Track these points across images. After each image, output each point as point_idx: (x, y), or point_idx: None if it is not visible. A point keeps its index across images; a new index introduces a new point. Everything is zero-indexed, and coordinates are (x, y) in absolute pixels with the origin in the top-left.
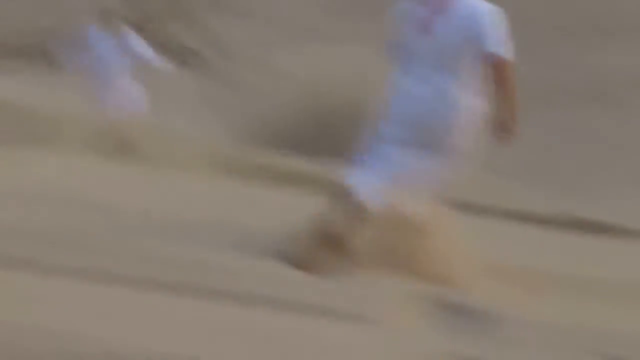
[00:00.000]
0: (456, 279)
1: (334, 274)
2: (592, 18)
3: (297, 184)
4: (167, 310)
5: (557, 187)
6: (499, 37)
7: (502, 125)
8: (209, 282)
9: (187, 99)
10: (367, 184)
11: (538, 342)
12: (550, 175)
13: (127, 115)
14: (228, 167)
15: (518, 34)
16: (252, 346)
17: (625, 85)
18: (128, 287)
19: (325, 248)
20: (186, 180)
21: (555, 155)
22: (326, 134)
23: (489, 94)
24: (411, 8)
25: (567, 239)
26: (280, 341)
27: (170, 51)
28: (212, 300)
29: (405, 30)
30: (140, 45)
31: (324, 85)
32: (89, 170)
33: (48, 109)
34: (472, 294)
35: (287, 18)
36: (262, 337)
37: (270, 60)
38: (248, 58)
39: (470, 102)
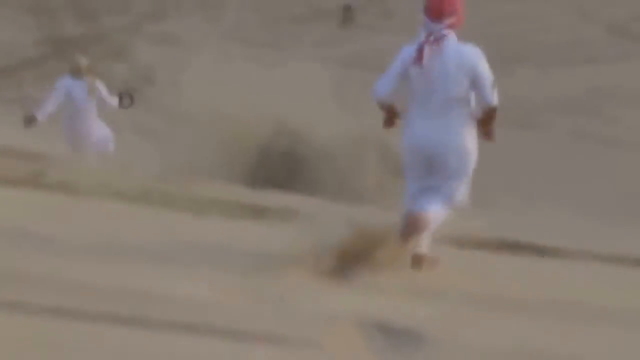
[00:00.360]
0: None
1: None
2: (501, 48)
3: (223, 211)
4: (90, 339)
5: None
6: (491, 85)
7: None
8: (141, 310)
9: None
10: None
11: None
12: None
13: (95, 153)
14: (158, 197)
15: None
16: None
17: (532, 109)
18: (45, 316)
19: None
20: (111, 209)
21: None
22: (263, 163)
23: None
24: (410, 52)
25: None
26: None
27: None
28: (146, 329)
29: (407, 72)
30: (103, 89)
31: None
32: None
33: None
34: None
35: (215, 44)
36: None
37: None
38: (172, 83)
39: (467, 128)
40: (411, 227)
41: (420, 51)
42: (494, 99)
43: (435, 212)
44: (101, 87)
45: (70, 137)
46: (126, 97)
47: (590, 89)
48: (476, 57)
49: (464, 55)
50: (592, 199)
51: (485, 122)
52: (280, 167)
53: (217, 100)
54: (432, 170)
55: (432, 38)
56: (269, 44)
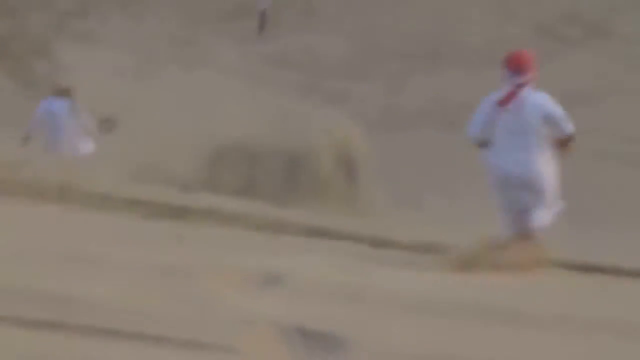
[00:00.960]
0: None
1: None
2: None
3: (146, 212)
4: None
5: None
6: (563, 119)
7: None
8: (58, 314)
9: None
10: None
11: None
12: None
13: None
14: (78, 197)
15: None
16: None
17: (456, 109)
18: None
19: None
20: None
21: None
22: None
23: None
24: (494, 100)
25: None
26: None
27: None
28: (63, 334)
29: (493, 116)
30: (83, 112)
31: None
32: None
33: None
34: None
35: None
36: None
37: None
38: (93, 83)
39: (545, 155)
40: (522, 243)
41: (506, 97)
42: (568, 129)
43: (537, 223)
44: (82, 110)
45: (52, 149)
46: (107, 122)
47: None
48: (548, 102)
49: (538, 101)
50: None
51: (564, 145)
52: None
53: (139, 102)
54: (522, 194)
55: (514, 87)
56: (192, 42)
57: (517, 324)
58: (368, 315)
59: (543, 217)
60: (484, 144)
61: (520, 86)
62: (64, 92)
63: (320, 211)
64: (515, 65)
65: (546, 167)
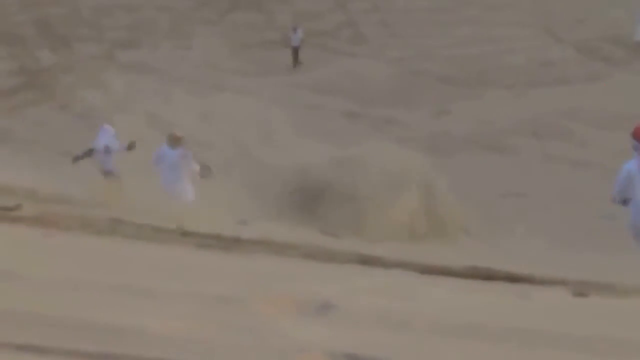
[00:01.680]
0: None
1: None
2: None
3: (195, 242)
4: None
5: None
6: None
7: None
8: (111, 346)
9: None
10: None
11: None
12: None
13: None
14: (127, 229)
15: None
16: None
17: (502, 132)
18: (14, 352)
19: None
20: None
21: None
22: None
23: None
24: (633, 164)
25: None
26: None
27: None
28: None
29: (631, 179)
30: (190, 158)
31: None
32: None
33: None
34: None
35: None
36: None
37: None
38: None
39: None
40: None
41: None
42: None
43: None
44: (189, 156)
45: (168, 188)
46: (205, 168)
47: (560, 110)
48: None
49: None
50: (563, 222)
51: None
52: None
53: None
54: None
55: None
56: (240, 70)
57: (565, 348)
58: (418, 341)
59: None
60: (624, 202)
61: None
62: (176, 141)
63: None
64: None
65: None
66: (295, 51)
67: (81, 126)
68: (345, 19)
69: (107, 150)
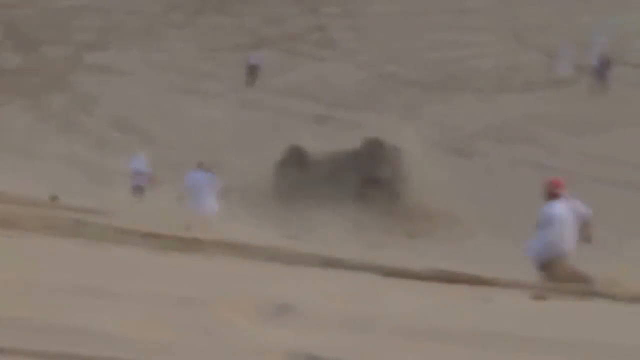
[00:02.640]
0: None
1: None
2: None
3: (156, 243)
4: None
5: None
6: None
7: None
8: (65, 346)
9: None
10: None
11: None
12: None
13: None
14: (88, 230)
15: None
16: None
17: (470, 137)
18: None
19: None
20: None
21: None
22: None
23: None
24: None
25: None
26: None
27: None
28: None
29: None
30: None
31: None
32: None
33: None
34: None
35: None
36: None
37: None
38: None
39: None
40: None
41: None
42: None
43: None
44: (214, 177)
45: (196, 208)
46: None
47: (527, 115)
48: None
49: (577, 203)
50: (529, 227)
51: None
52: None
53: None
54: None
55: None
56: (208, 73)
57: (525, 350)
58: (380, 343)
59: None
60: None
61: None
62: (203, 166)
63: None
64: (562, 187)
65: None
66: (253, 69)
67: (47, 128)
68: (315, 23)
69: (138, 172)
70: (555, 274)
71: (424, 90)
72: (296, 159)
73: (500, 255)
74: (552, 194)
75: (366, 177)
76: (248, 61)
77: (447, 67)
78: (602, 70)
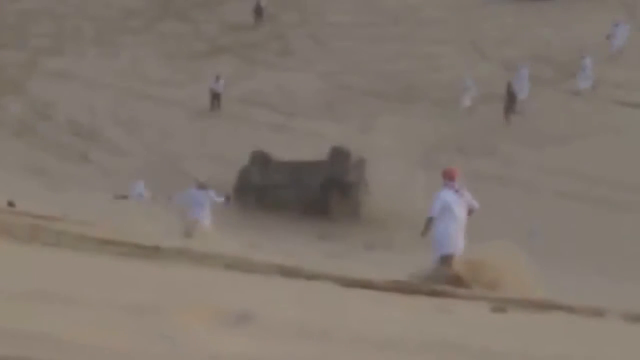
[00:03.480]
0: None
1: None
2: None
3: (118, 251)
4: None
5: None
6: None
7: None
8: (25, 351)
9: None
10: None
11: None
12: None
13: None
14: (50, 237)
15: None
16: None
17: (429, 148)
18: None
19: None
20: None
21: None
22: None
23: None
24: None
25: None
26: None
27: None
28: None
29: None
30: (213, 193)
31: None
32: None
33: None
34: None
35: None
36: None
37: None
38: (68, 121)
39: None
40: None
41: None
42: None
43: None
44: (212, 194)
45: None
46: (227, 199)
47: (486, 127)
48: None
49: (466, 194)
50: (485, 238)
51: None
52: None
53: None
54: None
55: (457, 188)
56: (166, 80)
57: None
58: (338, 353)
59: None
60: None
61: (459, 188)
62: (202, 185)
63: None
64: (452, 176)
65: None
66: (217, 97)
67: (2, 133)
68: (274, 31)
69: (140, 196)
70: (446, 271)
71: (383, 100)
72: (260, 164)
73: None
74: (446, 183)
75: (330, 185)
76: (210, 87)
77: (406, 78)
78: (509, 102)
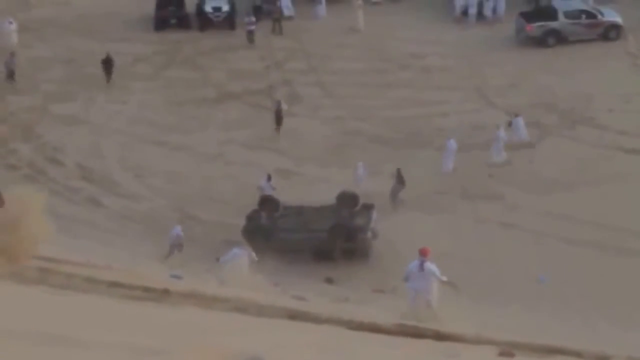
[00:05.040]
0: None
1: None
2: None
3: (124, 293)
4: None
5: None
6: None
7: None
8: None
9: None
10: None
11: None
12: None
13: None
14: (59, 279)
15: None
16: None
17: (434, 192)
18: None
19: None
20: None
21: None
22: None
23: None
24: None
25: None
26: None
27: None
28: None
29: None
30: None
31: None
32: None
33: None
34: None
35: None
36: None
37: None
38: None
39: None
40: None
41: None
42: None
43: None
44: (251, 252)
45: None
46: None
47: (491, 173)
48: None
49: (432, 267)
50: (491, 283)
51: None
52: None
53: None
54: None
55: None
56: (175, 126)
57: None
58: None
59: None
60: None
61: (424, 262)
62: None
63: None
64: (425, 254)
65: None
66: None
67: (13, 177)
68: (281, 78)
69: (179, 237)
70: None
71: (390, 146)
72: (268, 208)
73: (463, 310)
74: (419, 257)
75: (337, 230)
76: (259, 186)
77: (412, 124)
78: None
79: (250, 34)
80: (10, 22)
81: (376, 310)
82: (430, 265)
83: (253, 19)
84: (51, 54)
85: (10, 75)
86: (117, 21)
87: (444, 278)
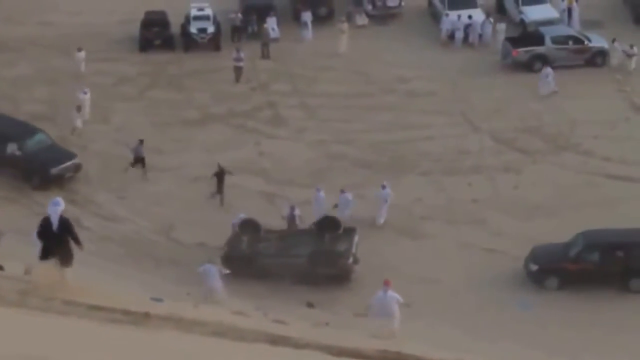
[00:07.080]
0: None
1: None
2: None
3: (108, 317)
4: None
5: None
6: None
7: None
8: None
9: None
10: None
11: None
12: None
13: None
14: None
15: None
16: None
17: (418, 218)
18: None
19: None
20: None
21: None
22: None
23: None
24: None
25: None
26: None
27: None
28: None
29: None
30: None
31: None
32: None
33: None
34: None
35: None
36: None
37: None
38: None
39: None
40: None
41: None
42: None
43: None
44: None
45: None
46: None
47: (475, 198)
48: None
49: (393, 294)
50: (474, 310)
51: None
52: None
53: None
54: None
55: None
56: (158, 148)
57: None
58: None
59: None
60: None
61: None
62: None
63: None
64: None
65: None
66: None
67: None
68: (266, 100)
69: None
70: None
71: (373, 170)
72: (249, 232)
73: (445, 336)
74: (383, 287)
75: (318, 254)
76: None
77: (396, 148)
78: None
79: (238, 70)
80: (85, 92)
81: (358, 335)
82: (392, 293)
83: (242, 54)
84: (34, 72)
85: None
86: (102, 41)
87: (401, 300)
